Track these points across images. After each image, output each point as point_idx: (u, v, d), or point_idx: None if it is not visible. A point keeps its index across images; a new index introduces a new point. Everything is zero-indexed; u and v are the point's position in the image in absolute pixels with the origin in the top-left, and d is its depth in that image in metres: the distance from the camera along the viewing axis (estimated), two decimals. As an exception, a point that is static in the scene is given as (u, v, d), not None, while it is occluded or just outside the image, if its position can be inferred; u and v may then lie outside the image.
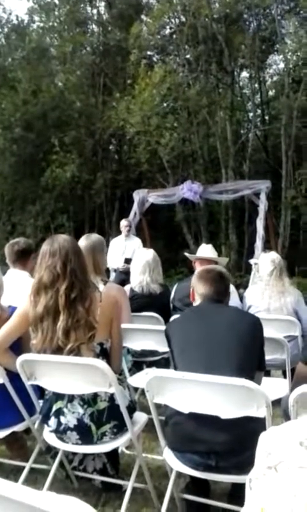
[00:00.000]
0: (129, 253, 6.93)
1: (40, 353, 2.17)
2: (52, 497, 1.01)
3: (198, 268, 2.93)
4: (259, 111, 15.06)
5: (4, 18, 14.76)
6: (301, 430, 0.84)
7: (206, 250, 4.17)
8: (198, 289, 2.33)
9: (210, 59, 13.00)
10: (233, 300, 3.60)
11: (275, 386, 2.90)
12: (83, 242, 3.12)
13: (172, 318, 3.36)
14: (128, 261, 6.57)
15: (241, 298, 3.81)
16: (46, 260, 2.18)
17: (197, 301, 2.35)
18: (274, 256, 3.78)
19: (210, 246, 4.25)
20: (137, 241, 7.51)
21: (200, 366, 1.96)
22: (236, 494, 2.04)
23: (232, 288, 3.73)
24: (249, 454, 1.45)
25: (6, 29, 14.90)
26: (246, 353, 2.06)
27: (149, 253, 3.81)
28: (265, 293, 3.59)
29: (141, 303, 3.59)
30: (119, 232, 7.68)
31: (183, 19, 13.15)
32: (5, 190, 13.83)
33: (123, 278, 6.17)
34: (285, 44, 12.70)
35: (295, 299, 3.54)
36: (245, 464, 1.65)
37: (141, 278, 3.69)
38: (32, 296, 2.18)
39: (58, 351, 2.12)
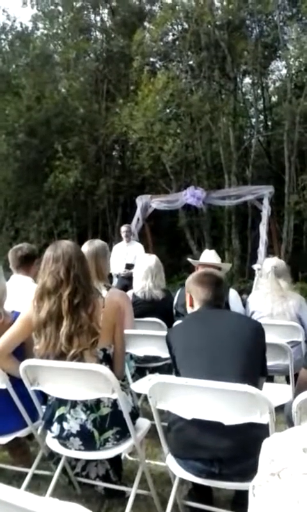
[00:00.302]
0: (130, 259, 6.94)
1: (43, 359, 2.17)
2: (54, 503, 1.00)
3: None
4: (261, 117, 15.13)
5: (8, 25, 14.92)
6: (304, 436, 0.84)
7: (209, 255, 4.17)
8: (197, 294, 2.30)
9: (212, 65, 13.07)
10: (237, 306, 3.60)
11: (278, 392, 2.89)
12: (86, 247, 3.13)
13: (175, 324, 3.36)
14: (129, 266, 6.59)
15: (244, 304, 3.80)
16: (49, 265, 2.18)
17: (196, 307, 2.33)
18: (273, 260, 3.80)
19: (213, 252, 4.25)
20: (138, 246, 7.52)
21: (203, 372, 1.95)
22: (240, 501, 2.03)
23: (235, 293, 3.74)
24: (252, 461, 1.43)
25: (10, 36, 15.03)
26: (249, 359, 2.05)
27: (152, 259, 3.81)
28: (268, 297, 3.59)
29: (144, 308, 3.59)
30: (122, 238, 7.71)
31: (186, 26, 13.24)
32: (8, 195, 13.90)
33: (125, 283, 6.17)
34: (287, 50, 12.77)
35: (297, 304, 3.53)
36: (248, 471, 1.64)
37: (144, 284, 3.68)
38: (36, 302, 2.18)
39: (61, 356, 2.12)
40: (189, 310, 2.38)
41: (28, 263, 3.39)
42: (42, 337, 2.15)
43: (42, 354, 2.16)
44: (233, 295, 3.66)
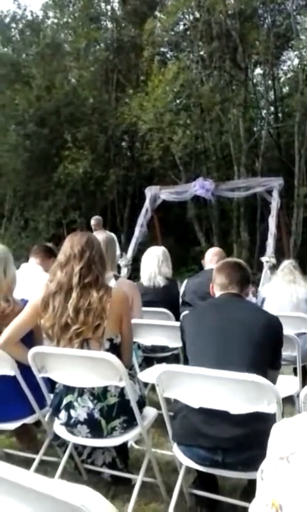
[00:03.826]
0: None
1: (48, 332, 2.18)
2: (64, 485, 1.02)
3: None
4: (272, 108, 14.95)
5: (18, 14, 14.82)
6: (313, 422, 0.85)
7: None
8: (216, 280, 2.31)
9: (223, 55, 12.92)
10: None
11: (285, 383, 2.89)
12: (101, 235, 3.13)
13: (183, 313, 3.37)
14: None
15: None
16: (65, 244, 2.25)
17: (215, 294, 2.32)
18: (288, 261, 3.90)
19: None
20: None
21: (211, 361, 1.95)
22: (251, 490, 2.03)
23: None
24: (256, 452, 1.44)
25: (20, 25, 14.97)
26: (257, 352, 2.03)
27: (159, 249, 3.86)
28: (277, 285, 3.66)
29: (149, 298, 3.59)
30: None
31: (198, 15, 13.08)
32: (18, 185, 13.92)
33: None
34: (300, 40, 12.58)
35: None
36: (252, 461, 1.65)
37: (150, 271, 3.71)
38: (48, 279, 2.22)
39: (65, 327, 2.13)
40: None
41: (47, 254, 3.52)
42: (50, 308, 2.16)
43: (48, 326, 2.17)
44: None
